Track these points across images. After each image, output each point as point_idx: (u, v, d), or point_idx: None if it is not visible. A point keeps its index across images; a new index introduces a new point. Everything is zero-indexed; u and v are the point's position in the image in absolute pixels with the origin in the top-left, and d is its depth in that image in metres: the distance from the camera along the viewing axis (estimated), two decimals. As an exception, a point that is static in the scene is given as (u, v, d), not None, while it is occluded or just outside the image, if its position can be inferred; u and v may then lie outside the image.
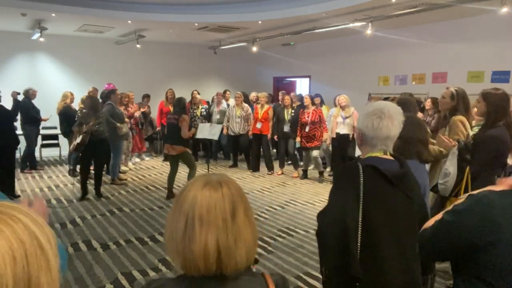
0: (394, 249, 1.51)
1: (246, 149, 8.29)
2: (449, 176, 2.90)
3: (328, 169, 7.75)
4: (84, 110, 6.29)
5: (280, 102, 7.88)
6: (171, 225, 0.96)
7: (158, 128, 9.15)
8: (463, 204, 1.20)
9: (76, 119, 6.39)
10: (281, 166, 7.89)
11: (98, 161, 6.12)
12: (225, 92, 9.32)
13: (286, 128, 7.50)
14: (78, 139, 5.68)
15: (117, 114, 6.58)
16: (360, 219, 1.47)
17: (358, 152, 2.02)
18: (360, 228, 1.47)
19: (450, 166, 2.91)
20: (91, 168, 6.47)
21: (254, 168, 8.05)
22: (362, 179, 1.50)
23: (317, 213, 1.66)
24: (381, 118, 1.58)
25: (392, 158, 1.65)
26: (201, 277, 0.92)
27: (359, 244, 1.47)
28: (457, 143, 3.01)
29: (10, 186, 5.76)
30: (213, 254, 0.90)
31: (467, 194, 1.33)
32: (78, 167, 6.82)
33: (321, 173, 7.25)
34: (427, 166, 3.12)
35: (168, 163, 8.76)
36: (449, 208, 1.26)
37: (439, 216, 1.28)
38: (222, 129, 7.94)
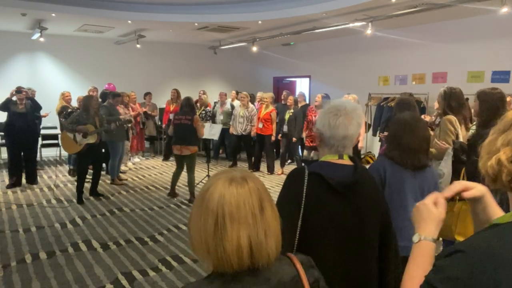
0: (335, 255, 1.45)
1: (248, 149, 8.29)
2: (443, 177, 2.89)
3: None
4: (78, 109, 6.28)
5: (283, 102, 7.84)
6: (198, 225, 0.96)
7: (164, 127, 9.02)
8: (454, 268, 0.78)
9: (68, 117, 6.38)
10: (282, 166, 7.89)
11: (97, 162, 6.09)
12: (232, 92, 9.39)
13: (285, 128, 7.50)
14: (91, 139, 5.62)
15: (113, 116, 6.50)
16: (299, 225, 1.42)
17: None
18: (298, 233, 1.42)
19: (445, 167, 2.91)
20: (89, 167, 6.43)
21: (255, 167, 8.05)
22: (305, 187, 1.45)
23: None
24: (337, 116, 1.50)
25: (349, 162, 1.55)
26: (234, 273, 0.94)
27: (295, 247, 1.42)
28: (452, 144, 3.01)
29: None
30: (246, 250, 0.92)
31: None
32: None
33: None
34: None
35: (168, 163, 8.86)
36: (433, 266, 0.85)
37: (420, 279, 0.85)
38: (227, 128, 7.96)
